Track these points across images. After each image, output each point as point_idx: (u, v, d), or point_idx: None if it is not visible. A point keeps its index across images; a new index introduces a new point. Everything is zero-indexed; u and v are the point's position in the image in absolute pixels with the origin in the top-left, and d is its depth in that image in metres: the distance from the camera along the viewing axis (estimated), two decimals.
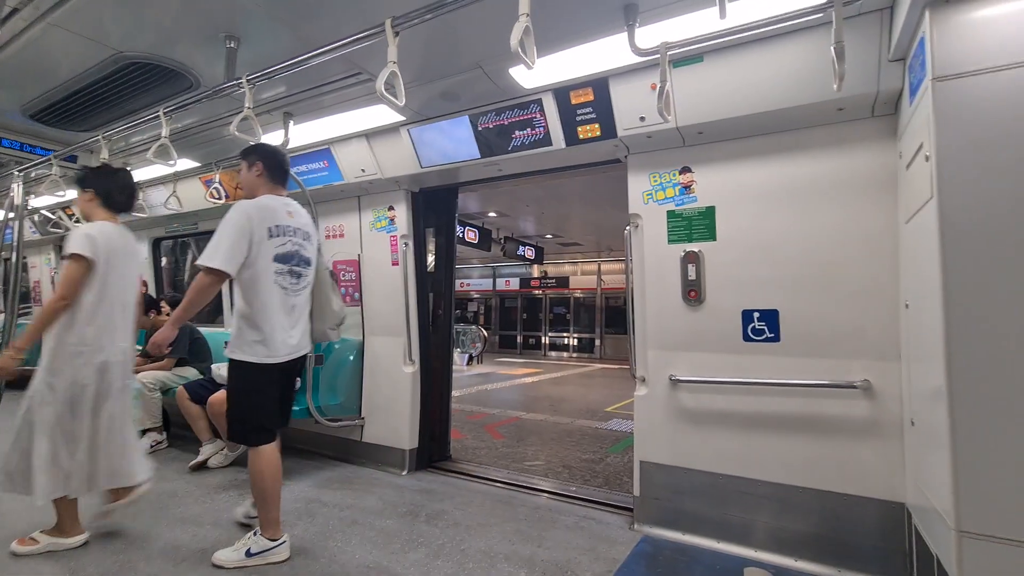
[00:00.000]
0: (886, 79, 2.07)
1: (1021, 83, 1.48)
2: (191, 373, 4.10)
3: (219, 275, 2.17)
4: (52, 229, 5.62)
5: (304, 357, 2.45)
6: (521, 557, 2.37)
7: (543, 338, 15.96)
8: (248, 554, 2.23)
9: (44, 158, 3.76)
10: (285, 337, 2.29)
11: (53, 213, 5.49)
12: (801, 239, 2.42)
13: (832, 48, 1.65)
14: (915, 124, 1.83)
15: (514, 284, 16.70)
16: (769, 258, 2.48)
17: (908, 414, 2.12)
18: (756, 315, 2.49)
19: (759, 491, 2.45)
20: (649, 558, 2.40)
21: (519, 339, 16.42)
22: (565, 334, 15.65)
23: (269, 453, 2.28)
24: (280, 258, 2.27)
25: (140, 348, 4.50)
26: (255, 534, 2.28)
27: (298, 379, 2.70)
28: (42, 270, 6.79)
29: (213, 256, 2.15)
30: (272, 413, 2.34)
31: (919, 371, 1.92)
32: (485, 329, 14.27)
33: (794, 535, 2.37)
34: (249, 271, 2.22)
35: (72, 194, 5.13)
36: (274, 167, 2.42)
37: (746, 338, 2.51)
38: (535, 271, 16.03)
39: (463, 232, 9.17)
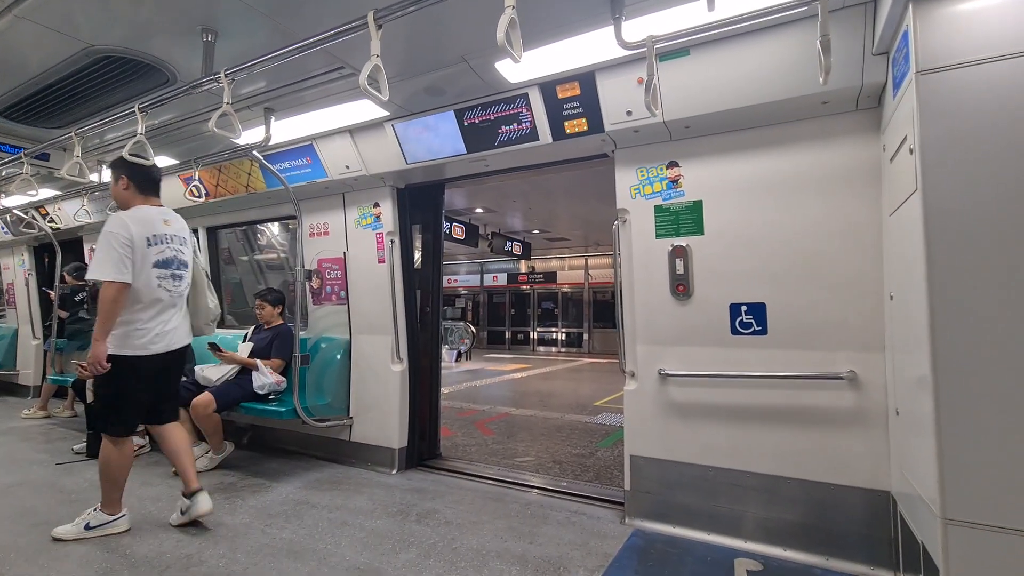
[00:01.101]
0: (870, 73, 2.08)
1: (1004, 76, 1.50)
2: None
3: (120, 285, 2.33)
4: (25, 229, 5.45)
5: (185, 349, 2.66)
6: (513, 554, 2.36)
7: (531, 333, 15.99)
8: (87, 527, 2.42)
9: (14, 156, 3.63)
10: (164, 332, 2.50)
11: (26, 213, 5.32)
12: (787, 232, 2.43)
13: (818, 41, 1.65)
14: (899, 117, 1.85)
15: (502, 280, 16.67)
16: (756, 251, 2.49)
17: (893, 404, 2.15)
18: (744, 308, 2.51)
19: (748, 483, 2.48)
20: (641, 552, 2.41)
21: (507, 335, 16.42)
22: (553, 329, 15.70)
23: (127, 445, 2.48)
24: (160, 264, 2.48)
25: None
26: (95, 509, 2.47)
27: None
28: (15, 272, 6.60)
29: (103, 270, 2.31)
30: (143, 405, 2.53)
31: (904, 361, 1.94)
32: (473, 325, 14.23)
33: (782, 525, 2.40)
34: (135, 279, 2.39)
35: (45, 192, 4.99)
36: (141, 179, 2.57)
37: (734, 331, 2.53)
38: (523, 266, 16.03)
39: (450, 228, 9.12)
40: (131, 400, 2.46)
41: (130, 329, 2.40)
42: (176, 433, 2.65)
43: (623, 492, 2.80)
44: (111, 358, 2.36)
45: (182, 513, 2.59)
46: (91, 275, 2.37)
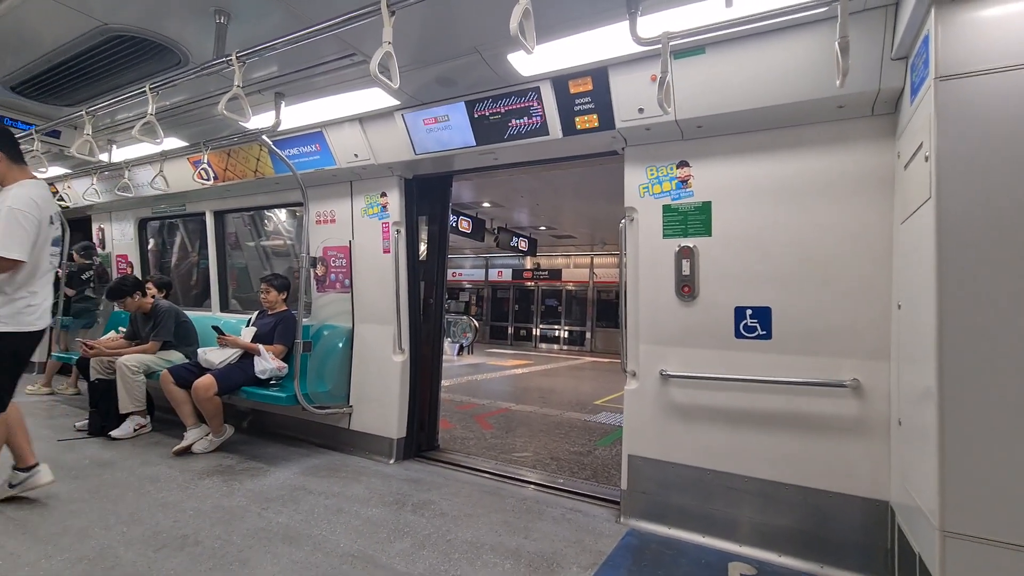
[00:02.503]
0: (888, 77, 2.05)
1: None
2: (176, 357, 4.03)
3: (15, 263, 2.28)
4: None
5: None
6: (507, 548, 2.37)
7: (534, 330, 15.97)
8: (11, 486, 2.48)
9: (26, 133, 3.65)
10: (47, 309, 2.52)
11: None
12: (796, 237, 2.41)
13: (836, 43, 1.63)
14: (915, 124, 1.82)
15: (506, 275, 16.65)
16: (764, 255, 2.47)
17: (896, 414, 2.13)
18: (749, 312, 2.49)
19: (745, 487, 2.46)
20: (635, 551, 2.41)
21: (510, 330, 16.42)
22: (556, 326, 15.66)
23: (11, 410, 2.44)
24: (54, 242, 2.50)
25: (123, 330, 4.44)
26: (12, 469, 2.50)
27: None
28: None
29: (9, 247, 2.23)
30: (17, 382, 2.55)
31: (909, 371, 1.92)
32: (476, 319, 14.24)
33: (778, 531, 2.39)
34: (34, 257, 2.36)
35: (55, 171, 5.01)
36: (13, 147, 2.44)
37: (738, 335, 2.51)
38: (528, 263, 15.99)
39: (456, 221, 9.10)
40: (22, 372, 2.48)
41: (24, 306, 2.38)
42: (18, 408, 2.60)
43: (619, 491, 2.80)
44: (11, 336, 2.33)
45: (11, 486, 2.53)
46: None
